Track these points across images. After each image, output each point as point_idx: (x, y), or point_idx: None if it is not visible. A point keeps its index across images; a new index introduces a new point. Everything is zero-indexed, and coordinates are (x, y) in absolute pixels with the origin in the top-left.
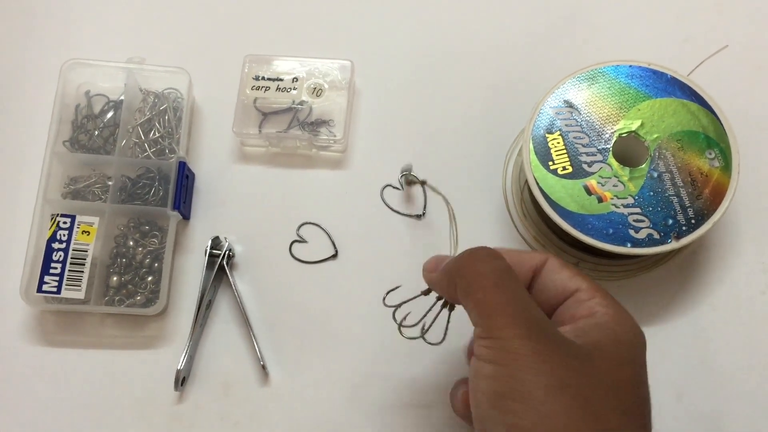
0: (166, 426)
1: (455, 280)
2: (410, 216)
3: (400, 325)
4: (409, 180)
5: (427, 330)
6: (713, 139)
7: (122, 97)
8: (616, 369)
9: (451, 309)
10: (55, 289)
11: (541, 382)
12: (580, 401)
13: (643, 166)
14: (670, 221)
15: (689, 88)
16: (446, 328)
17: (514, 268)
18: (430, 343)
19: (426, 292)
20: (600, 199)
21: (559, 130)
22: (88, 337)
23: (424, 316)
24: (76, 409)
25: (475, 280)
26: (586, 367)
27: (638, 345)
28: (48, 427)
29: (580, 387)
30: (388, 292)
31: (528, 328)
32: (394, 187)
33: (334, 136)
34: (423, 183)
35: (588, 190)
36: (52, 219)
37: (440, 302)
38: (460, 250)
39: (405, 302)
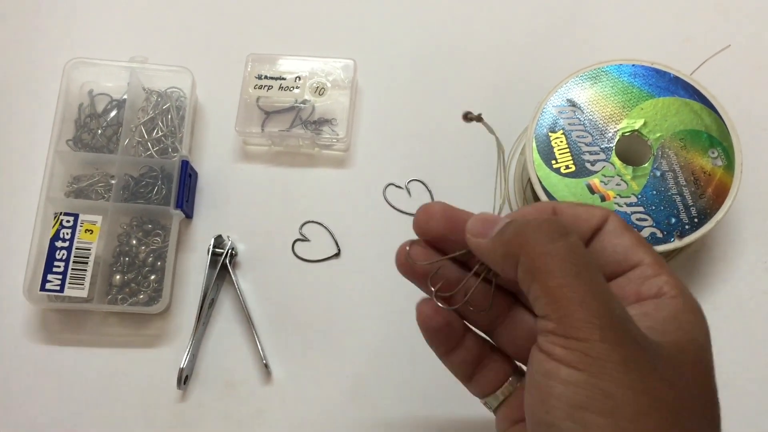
0: (168, 424)
1: (516, 255)
2: (412, 215)
3: (435, 293)
4: (469, 117)
5: (466, 299)
6: (716, 138)
7: (125, 96)
8: (699, 377)
9: (495, 277)
10: (58, 288)
11: (632, 396)
12: (672, 419)
13: (646, 165)
14: (673, 220)
15: (692, 87)
16: (492, 298)
17: (569, 226)
18: (471, 309)
19: (465, 255)
20: (603, 198)
21: (562, 129)
22: (91, 336)
23: (463, 283)
24: (79, 407)
25: (545, 262)
26: (675, 378)
27: (708, 343)
28: (51, 425)
29: (671, 402)
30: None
31: (614, 330)
32: (396, 186)
33: (337, 134)
34: (479, 118)
35: (591, 189)
36: (55, 218)
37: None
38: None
39: (441, 260)
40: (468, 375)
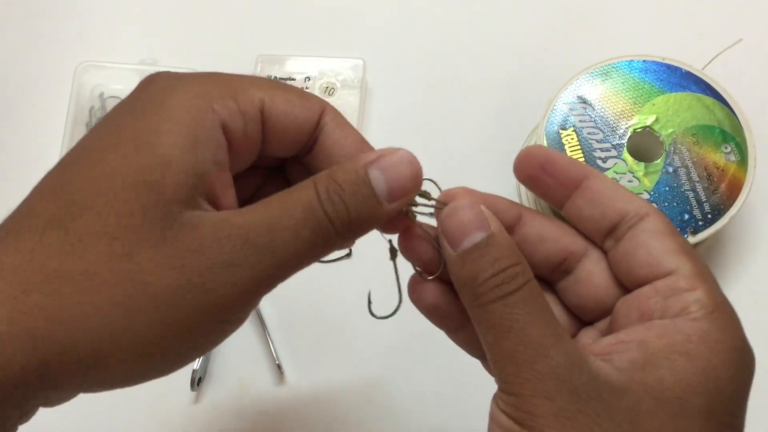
0: (182, 426)
1: (463, 296)
2: (423, 214)
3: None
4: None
5: (401, 298)
6: (729, 133)
7: None
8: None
9: (394, 256)
10: None
11: None
12: None
13: (658, 161)
14: (686, 216)
15: (704, 82)
16: (399, 290)
17: (592, 214)
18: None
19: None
20: None
21: (573, 126)
22: None
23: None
24: (92, 410)
25: (485, 319)
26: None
27: (735, 386)
28: (64, 428)
29: None
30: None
31: (546, 383)
32: None
33: None
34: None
35: None
36: None
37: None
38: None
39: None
40: (480, 354)
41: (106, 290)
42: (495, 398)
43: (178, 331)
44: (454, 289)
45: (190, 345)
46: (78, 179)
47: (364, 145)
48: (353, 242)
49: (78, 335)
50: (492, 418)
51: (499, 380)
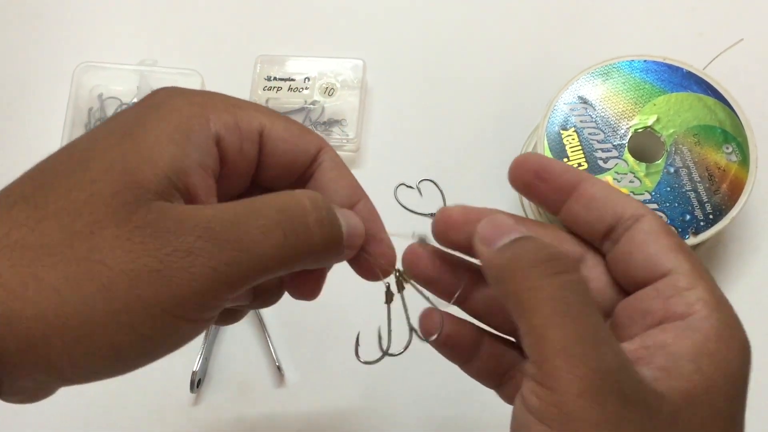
0: (182, 428)
1: (506, 284)
2: (424, 215)
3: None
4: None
5: (389, 342)
6: (730, 133)
7: (135, 100)
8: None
9: (401, 288)
10: None
11: None
12: None
13: (660, 161)
14: (688, 217)
15: (705, 82)
16: (410, 331)
17: (587, 218)
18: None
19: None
20: None
21: (574, 126)
22: None
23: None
24: (92, 411)
25: (531, 297)
26: None
27: (742, 380)
28: (63, 430)
29: None
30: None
31: (597, 383)
32: (407, 186)
33: (347, 135)
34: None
35: None
36: None
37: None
38: None
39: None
40: (494, 383)
41: (62, 266)
42: (524, 397)
43: (128, 320)
44: (463, 320)
45: (141, 339)
46: (58, 164)
47: (358, 190)
48: (305, 266)
49: (28, 307)
50: (519, 423)
51: (540, 372)
